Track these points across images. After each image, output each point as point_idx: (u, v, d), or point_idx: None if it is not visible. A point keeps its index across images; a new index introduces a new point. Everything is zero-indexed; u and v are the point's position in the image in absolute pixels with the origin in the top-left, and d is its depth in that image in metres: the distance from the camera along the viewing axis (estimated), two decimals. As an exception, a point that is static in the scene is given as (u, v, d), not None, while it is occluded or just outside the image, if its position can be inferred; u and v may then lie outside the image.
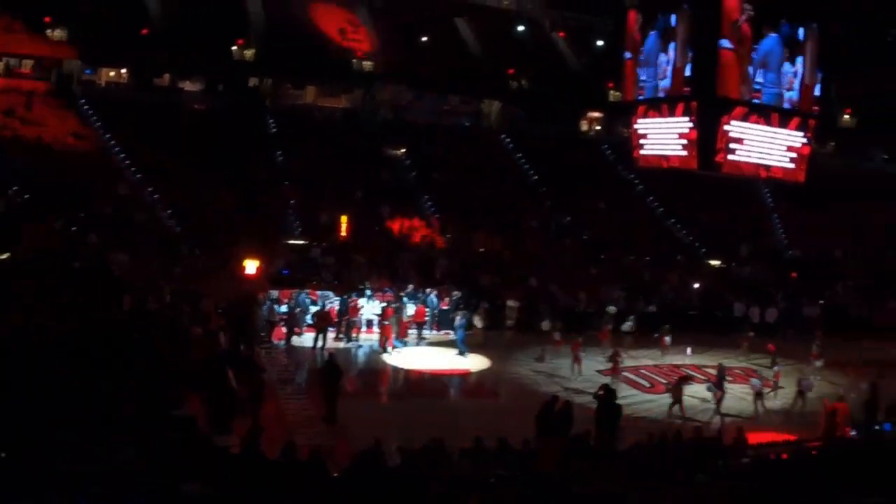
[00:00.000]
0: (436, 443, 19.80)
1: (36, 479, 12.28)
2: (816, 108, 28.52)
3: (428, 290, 41.65)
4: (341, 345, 37.47)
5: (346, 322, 38.79)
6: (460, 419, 28.35)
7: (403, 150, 56.77)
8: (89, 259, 38.19)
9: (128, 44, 53.15)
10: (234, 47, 55.75)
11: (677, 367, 36.97)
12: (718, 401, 31.03)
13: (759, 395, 31.81)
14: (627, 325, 42.13)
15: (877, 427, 26.39)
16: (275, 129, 55.61)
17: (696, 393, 32.50)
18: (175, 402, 21.94)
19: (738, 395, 32.59)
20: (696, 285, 49.15)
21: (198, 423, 20.74)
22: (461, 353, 37.46)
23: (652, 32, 28.35)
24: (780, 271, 53.30)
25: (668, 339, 38.70)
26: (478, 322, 41.08)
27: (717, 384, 31.47)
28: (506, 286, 45.08)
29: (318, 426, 27.04)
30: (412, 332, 39.76)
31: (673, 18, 27.32)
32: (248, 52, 56.06)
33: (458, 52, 61.79)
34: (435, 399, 32.79)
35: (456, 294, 42.14)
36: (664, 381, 34.72)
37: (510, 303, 43.31)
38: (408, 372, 35.88)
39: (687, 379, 33.00)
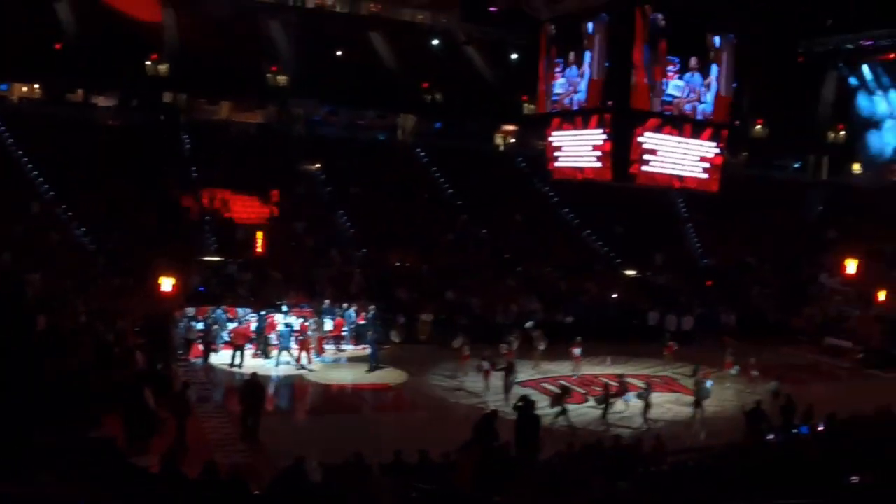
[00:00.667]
0: (355, 458, 19.74)
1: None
2: (731, 119, 28.80)
3: (345, 305, 41.62)
4: (259, 362, 37.11)
5: (264, 339, 38.57)
6: (380, 433, 28.33)
7: (318, 165, 56.59)
8: (2, 279, 37.65)
9: (41, 58, 52.43)
10: (148, 62, 55.17)
11: (596, 376, 37.22)
12: (605, 411, 31.62)
13: (647, 407, 31.90)
14: (535, 334, 41.21)
15: (794, 430, 26.74)
16: (189, 145, 55.03)
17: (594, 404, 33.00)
18: (93, 423, 21.67)
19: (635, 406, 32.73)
20: (615, 295, 49.51)
21: (116, 444, 20.51)
22: (372, 369, 37.50)
23: (566, 45, 28.49)
24: (696, 279, 54.00)
25: (577, 350, 38.55)
26: (394, 337, 41.06)
27: (608, 395, 32.06)
28: (423, 300, 45.11)
29: (238, 444, 26.85)
30: (330, 346, 39.70)
31: (590, 26, 27.38)
32: (162, 68, 55.45)
33: (372, 67, 61.60)
34: (354, 414, 32.79)
35: (372, 308, 42.11)
36: (583, 391, 35.14)
37: (423, 317, 43.34)
38: (327, 387, 35.79)
39: (568, 390, 33.07)
